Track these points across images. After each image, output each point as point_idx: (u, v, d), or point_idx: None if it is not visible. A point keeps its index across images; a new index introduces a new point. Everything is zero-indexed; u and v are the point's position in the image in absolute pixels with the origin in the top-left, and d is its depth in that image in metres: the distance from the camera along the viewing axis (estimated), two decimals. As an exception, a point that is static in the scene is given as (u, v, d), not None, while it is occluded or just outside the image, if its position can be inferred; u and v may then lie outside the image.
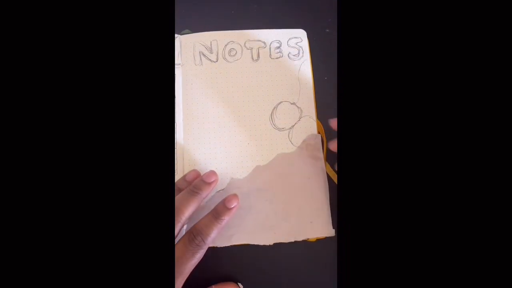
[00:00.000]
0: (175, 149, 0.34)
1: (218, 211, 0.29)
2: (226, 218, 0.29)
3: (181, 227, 0.28)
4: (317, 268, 0.31)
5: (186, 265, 0.26)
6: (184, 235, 0.27)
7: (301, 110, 0.35)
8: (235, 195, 0.30)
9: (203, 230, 0.27)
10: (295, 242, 0.31)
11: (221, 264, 0.31)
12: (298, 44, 0.37)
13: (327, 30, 0.38)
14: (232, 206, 0.29)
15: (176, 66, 0.36)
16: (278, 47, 0.37)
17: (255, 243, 0.31)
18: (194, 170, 0.32)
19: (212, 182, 0.30)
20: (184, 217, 0.28)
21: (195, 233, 0.27)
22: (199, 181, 0.30)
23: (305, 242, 0.31)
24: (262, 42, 0.37)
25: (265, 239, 0.31)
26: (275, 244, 0.31)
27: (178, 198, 0.29)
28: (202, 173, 0.32)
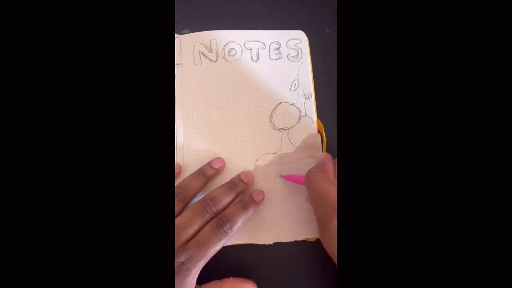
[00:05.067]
0: (175, 149, 0.34)
1: (246, 202, 0.30)
2: (252, 210, 0.30)
3: (189, 201, 0.30)
4: (317, 268, 0.31)
5: (211, 250, 0.27)
6: (212, 221, 0.28)
7: (300, 111, 0.35)
8: (261, 191, 0.31)
9: (232, 217, 0.28)
10: (295, 242, 0.31)
11: (221, 264, 0.30)
12: (297, 45, 0.38)
13: (327, 30, 0.38)
14: (259, 200, 0.31)
15: (176, 66, 0.36)
16: (277, 49, 0.37)
17: (255, 243, 0.31)
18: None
19: (219, 167, 0.32)
20: (193, 193, 0.30)
21: (225, 220, 0.28)
22: (207, 166, 0.32)
23: (305, 242, 0.31)
24: (262, 43, 0.38)
25: (265, 239, 0.31)
26: (275, 244, 0.31)
27: (188, 177, 0.31)
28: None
